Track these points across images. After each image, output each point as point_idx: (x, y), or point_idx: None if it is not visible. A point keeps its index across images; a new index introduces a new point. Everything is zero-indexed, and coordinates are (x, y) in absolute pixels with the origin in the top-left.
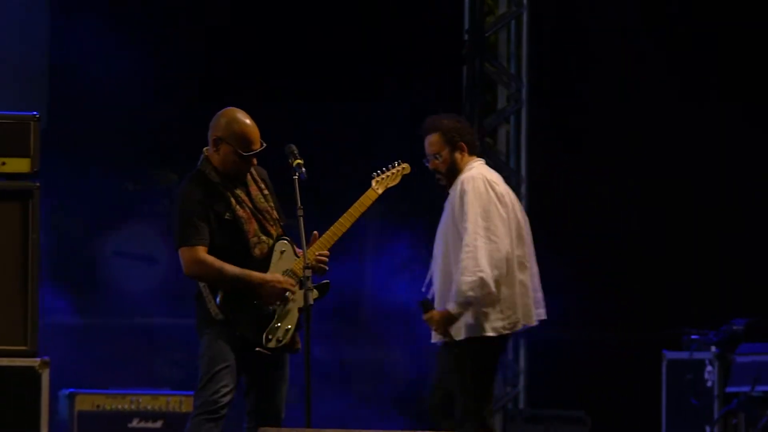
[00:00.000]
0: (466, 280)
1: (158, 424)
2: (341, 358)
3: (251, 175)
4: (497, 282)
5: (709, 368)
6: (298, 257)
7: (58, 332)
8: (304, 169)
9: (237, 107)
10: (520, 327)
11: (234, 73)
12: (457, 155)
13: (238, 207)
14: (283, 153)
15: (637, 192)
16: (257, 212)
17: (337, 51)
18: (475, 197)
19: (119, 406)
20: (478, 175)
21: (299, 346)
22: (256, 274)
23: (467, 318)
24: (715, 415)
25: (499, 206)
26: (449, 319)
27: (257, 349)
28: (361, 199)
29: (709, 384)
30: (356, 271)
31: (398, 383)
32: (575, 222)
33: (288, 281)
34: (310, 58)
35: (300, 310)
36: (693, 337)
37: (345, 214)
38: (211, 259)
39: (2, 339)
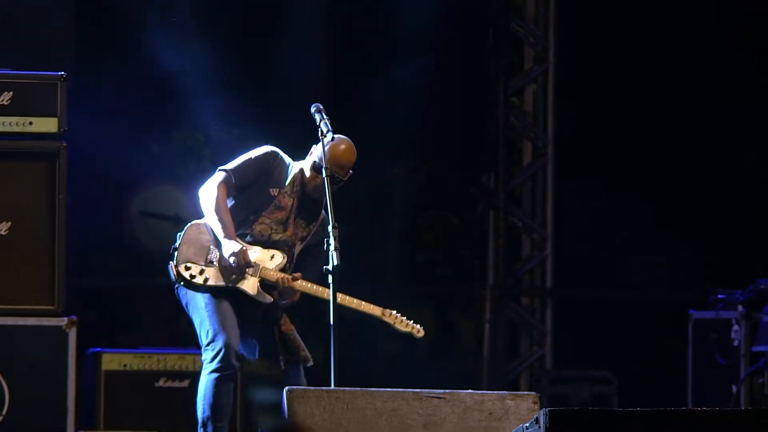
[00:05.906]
0: None
1: (185, 383)
2: None
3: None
4: None
5: (735, 327)
6: (278, 272)
7: (86, 293)
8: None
9: None
10: None
11: None
12: None
13: (286, 196)
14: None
15: (666, 151)
16: (296, 216)
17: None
18: None
19: (146, 366)
20: None
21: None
22: (233, 237)
23: None
24: (742, 375)
25: None
26: None
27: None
28: (367, 305)
29: (735, 343)
30: None
31: None
32: (602, 181)
33: (250, 265)
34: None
35: None
36: (720, 296)
37: (347, 297)
38: (223, 194)
39: (30, 299)
